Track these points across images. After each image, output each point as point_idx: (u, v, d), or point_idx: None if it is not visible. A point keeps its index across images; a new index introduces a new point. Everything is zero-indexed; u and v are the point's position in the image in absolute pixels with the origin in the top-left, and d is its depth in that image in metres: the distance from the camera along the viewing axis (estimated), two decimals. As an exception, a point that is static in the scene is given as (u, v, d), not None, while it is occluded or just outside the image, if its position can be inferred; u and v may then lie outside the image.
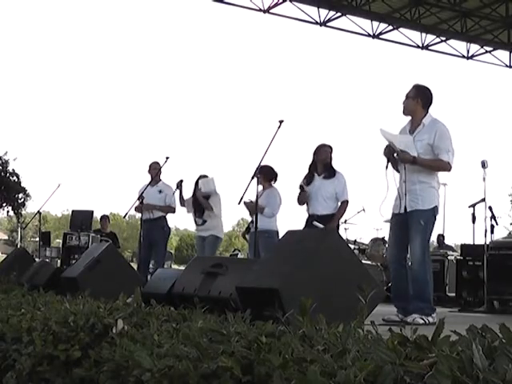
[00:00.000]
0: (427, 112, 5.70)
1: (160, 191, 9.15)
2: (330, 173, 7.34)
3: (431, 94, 5.77)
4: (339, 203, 7.38)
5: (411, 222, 5.55)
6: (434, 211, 5.59)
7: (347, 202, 7.40)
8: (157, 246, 9.18)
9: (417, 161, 5.50)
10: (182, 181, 9.01)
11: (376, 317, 2.89)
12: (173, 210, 9.32)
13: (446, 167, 5.57)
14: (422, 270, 5.49)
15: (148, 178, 9.31)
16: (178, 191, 9.03)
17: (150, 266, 9.48)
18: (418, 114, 5.69)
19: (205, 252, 8.86)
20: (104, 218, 13.15)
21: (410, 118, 5.77)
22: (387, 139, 5.61)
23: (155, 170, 9.21)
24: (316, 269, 3.53)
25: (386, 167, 5.80)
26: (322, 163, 7.40)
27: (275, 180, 8.42)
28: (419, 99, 5.67)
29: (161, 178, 9.35)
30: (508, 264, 8.15)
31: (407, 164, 5.55)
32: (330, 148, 7.44)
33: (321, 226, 6.95)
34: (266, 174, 8.15)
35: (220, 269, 4.21)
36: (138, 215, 9.20)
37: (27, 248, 25.27)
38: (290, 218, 8.99)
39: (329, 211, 7.27)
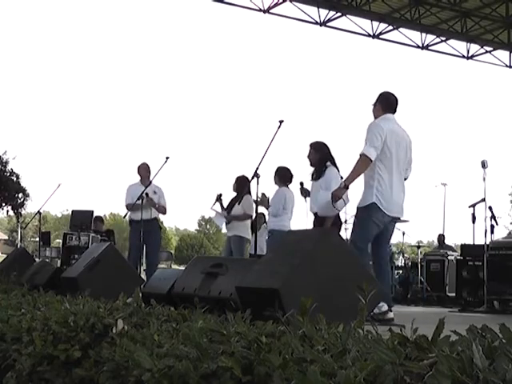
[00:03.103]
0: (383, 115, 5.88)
1: (155, 192, 9.23)
2: (318, 173, 7.06)
3: (393, 98, 5.96)
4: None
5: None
6: (368, 209, 5.65)
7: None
8: (153, 247, 9.22)
9: (346, 183, 5.71)
10: (221, 194, 9.15)
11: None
12: (165, 211, 9.54)
13: (362, 160, 5.64)
14: None
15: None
16: (218, 204, 9.14)
17: (143, 268, 9.48)
18: None
19: (232, 253, 8.80)
20: (96, 219, 12.82)
21: None
22: (333, 210, 6.06)
23: (146, 170, 9.42)
24: (316, 269, 3.53)
25: None
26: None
27: (290, 181, 8.30)
28: (378, 104, 5.93)
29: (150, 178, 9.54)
30: (508, 264, 8.16)
31: (344, 191, 5.75)
32: (311, 146, 7.11)
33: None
34: (281, 176, 8.16)
35: (220, 269, 4.21)
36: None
37: (27, 248, 25.23)
38: (294, 217, 8.96)
39: None
